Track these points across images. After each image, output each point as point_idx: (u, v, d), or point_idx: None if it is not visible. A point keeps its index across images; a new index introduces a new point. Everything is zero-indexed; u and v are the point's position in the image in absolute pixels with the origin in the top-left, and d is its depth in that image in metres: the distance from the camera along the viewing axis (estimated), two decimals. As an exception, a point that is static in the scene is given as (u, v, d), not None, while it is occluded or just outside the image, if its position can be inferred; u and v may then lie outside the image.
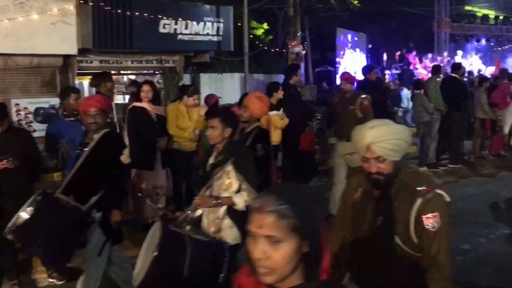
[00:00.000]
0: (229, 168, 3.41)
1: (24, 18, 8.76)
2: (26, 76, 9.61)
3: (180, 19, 10.70)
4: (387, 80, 13.63)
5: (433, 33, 19.43)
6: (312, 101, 13.04)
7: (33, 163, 4.33)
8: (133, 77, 12.60)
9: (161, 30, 10.48)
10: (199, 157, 6.02)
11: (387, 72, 17.53)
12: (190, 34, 10.97)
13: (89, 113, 3.90)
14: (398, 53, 19.33)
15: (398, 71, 18.04)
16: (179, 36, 10.78)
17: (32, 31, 9.00)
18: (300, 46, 14.26)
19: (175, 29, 10.68)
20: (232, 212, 3.41)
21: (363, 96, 6.11)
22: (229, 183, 3.42)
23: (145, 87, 5.60)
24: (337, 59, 16.83)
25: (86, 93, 10.17)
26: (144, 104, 5.59)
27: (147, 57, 10.78)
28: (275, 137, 6.77)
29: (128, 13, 9.92)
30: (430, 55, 19.30)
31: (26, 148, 4.27)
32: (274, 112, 6.57)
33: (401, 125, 2.43)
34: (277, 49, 15.14)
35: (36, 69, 9.63)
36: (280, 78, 11.25)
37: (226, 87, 13.30)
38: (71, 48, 9.51)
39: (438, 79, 9.85)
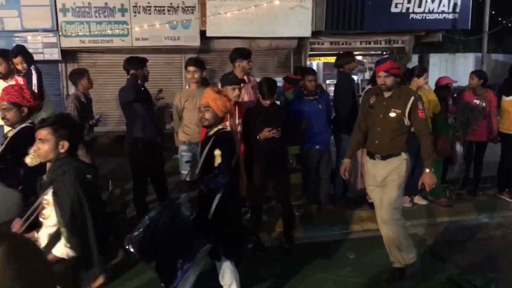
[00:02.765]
0: (49, 194, 2.68)
1: (267, 4, 9.66)
2: (265, 58, 10.66)
3: (414, -3, 10.30)
4: None
5: None
6: None
7: (287, 135, 4.78)
8: (359, 57, 12.75)
9: (393, 9, 10.26)
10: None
11: None
12: (423, 12, 10.45)
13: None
14: None
15: None
16: (411, 15, 10.38)
17: (273, 16, 9.88)
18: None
19: (407, 8, 10.32)
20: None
21: (418, 96, 4.05)
22: (49, 214, 2.70)
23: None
24: None
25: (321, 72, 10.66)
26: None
27: (376, 37, 10.73)
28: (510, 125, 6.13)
29: (361, -6, 10.00)
30: None
31: (283, 121, 4.75)
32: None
33: None
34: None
35: (274, 51, 10.59)
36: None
37: (458, 68, 12.32)
38: (306, 30, 10.13)
39: None
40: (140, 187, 5.05)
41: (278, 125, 4.60)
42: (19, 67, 4.59)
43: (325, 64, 12.25)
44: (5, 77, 4.59)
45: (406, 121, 4.00)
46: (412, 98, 3.97)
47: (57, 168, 2.70)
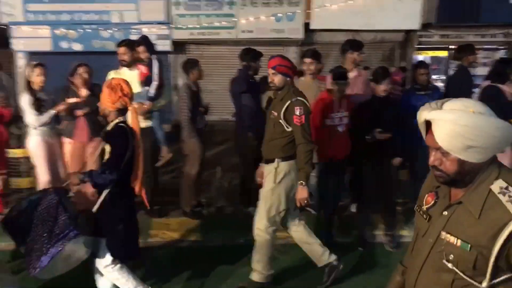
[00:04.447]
0: None
1: (375, -5, 9.41)
2: (368, 51, 10.30)
3: (542, -15, 9.41)
4: None
5: None
6: None
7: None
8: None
9: (514, 0, 9.47)
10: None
11: None
12: (550, 3, 9.52)
13: None
14: None
15: None
16: (535, 7, 9.51)
17: (380, 8, 9.59)
18: None
19: (531, -1, 9.47)
20: None
21: (295, 99, 3.62)
22: None
23: None
24: None
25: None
26: (499, 84, 5.25)
27: (492, 30, 9.98)
28: None
29: (478, -16, 9.35)
30: None
31: (395, 116, 4.63)
32: None
33: None
34: None
35: (378, 44, 10.28)
36: None
37: None
38: (414, 23, 9.71)
39: None
40: (248, 174, 5.21)
41: (390, 124, 4.48)
42: (142, 56, 4.91)
43: (433, 58, 11.65)
44: (129, 65, 4.94)
45: (285, 126, 3.67)
46: (288, 102, 3.62)
47: None
